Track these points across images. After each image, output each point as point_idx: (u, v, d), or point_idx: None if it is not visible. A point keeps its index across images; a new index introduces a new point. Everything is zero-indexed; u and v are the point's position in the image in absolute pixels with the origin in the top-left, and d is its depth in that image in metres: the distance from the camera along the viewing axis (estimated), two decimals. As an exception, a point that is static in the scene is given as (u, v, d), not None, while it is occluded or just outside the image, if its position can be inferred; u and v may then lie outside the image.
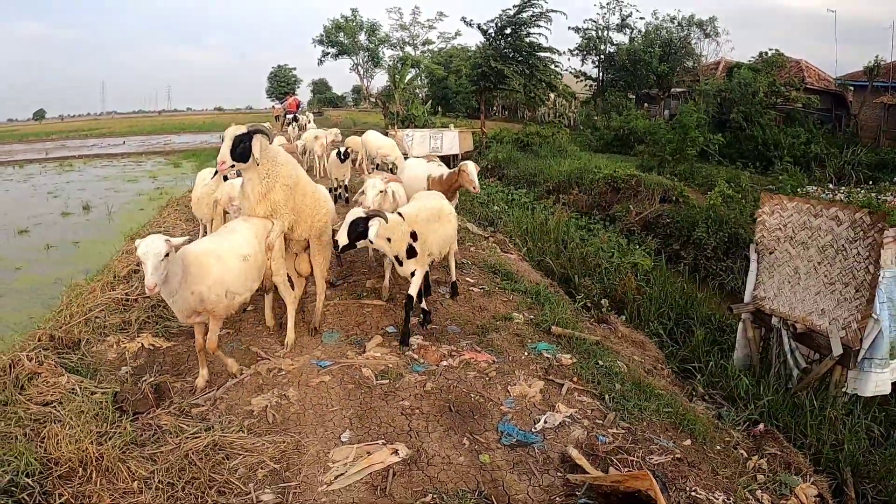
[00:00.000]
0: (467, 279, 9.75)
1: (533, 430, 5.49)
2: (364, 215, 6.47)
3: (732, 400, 7.89)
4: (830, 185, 23.69)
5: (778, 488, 5.25)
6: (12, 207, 22.53)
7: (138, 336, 7.38)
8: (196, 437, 5.19)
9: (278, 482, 4.77)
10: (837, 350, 7.76)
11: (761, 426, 6.67)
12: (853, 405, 7.44)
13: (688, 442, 5.69)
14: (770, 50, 36.44)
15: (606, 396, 6.24)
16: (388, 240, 6.74)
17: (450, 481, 4.76)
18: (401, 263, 7.03)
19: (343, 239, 6.41)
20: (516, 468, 4.96)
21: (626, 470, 5.00)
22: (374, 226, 6.35)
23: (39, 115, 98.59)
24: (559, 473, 4.90)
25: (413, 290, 7.15)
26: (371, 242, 6.48)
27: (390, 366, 6.55)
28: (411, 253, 6.99)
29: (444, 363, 6.71)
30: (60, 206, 22.30)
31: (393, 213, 7.00)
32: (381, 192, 8.27)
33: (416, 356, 6.90)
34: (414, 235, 6.94)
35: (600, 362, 7.09)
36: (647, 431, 5.70)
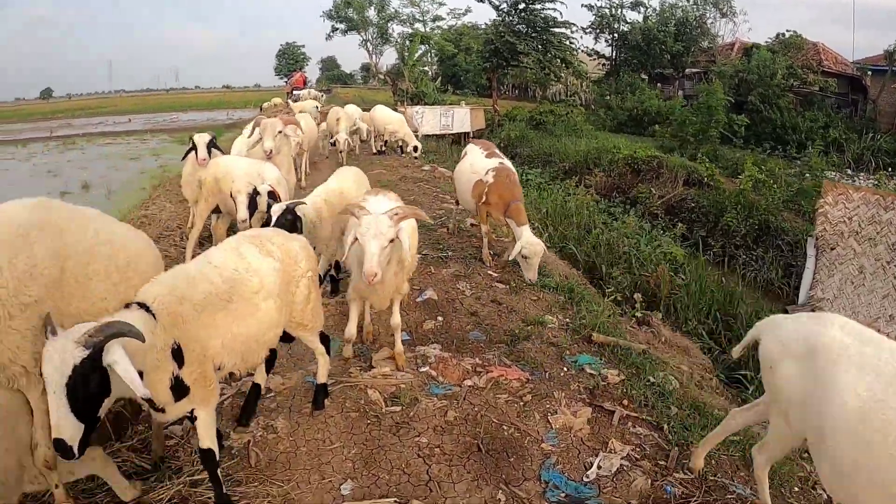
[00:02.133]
0: (489, 272, 8.63)
1: (585, 479, 4.32)
2: None
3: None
4: (849, 171, 23.32)
5: None
6: (10, 188, 21.40)
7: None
8: (161, 486, 4.02)
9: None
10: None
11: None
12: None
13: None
14: (788, 31, 35.76)
15: (665, 426, 5.09)
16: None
17: (482, 557, 3.61)
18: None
19: None
20: (568, 537, 3.81)
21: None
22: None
23: (46, 93, 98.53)
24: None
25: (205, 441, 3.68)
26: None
27: (403, 386, 5.33)
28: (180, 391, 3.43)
29: (469, 382, 5.50)
30: (59, 185, 21.44)
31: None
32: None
33: (433, 373, 5.68)
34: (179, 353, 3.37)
35: (651, 378, 5.93)
36: (719, 474, 4.57)
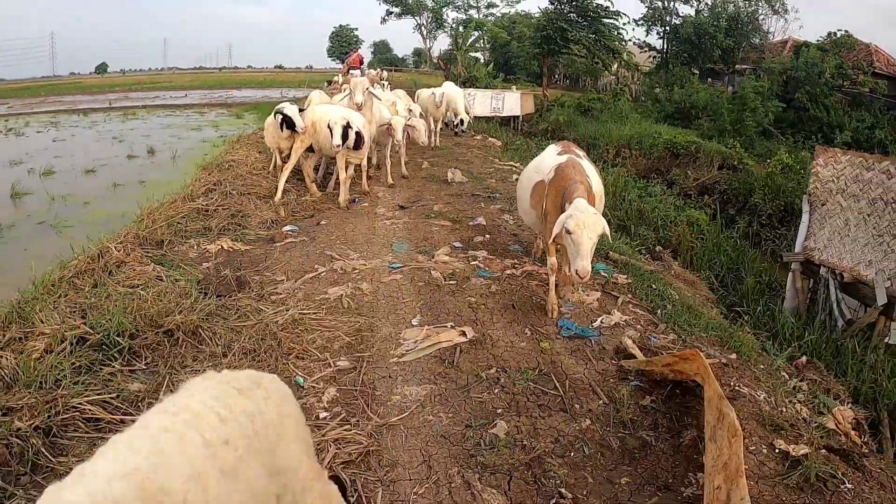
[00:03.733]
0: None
1: (590, 326, 5.83)
2: None
3: (777, 339, 8.08)
4: (892, 172, 23.17)
5: (817, 405, 5.39)
6: (80, 151, 23.12)
7: (218, 240, 7.89)
8: (276, 314, 5.65)
9: (353, 353, 5.20)
10: (882, 300, 7.94)
11: (804, 358, 6.84)
12: (894, 355, 7.59)
13: (733, 356, 5.92)
14: (839, 31, 35.38)
15: (659, 311, 6.51)
16: None
17: (512, 360, 5.13)
18: None
19: None
20: (574, 355, 5.31)
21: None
22: None
23: (101, 68, 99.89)
24: (613, 361, 5.23)
25: None
26: None
27: (457, 270, 6.98)
28: None
29: (508, 272, 7.07)
30: (126, 149, 22.87)
31: None
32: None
33: (481, 265, 7.29)
34: None
35: (653, 286, 7.36)
36: (696, 343, 5.97)
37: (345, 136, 8.67)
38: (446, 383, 4.77)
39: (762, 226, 17.26)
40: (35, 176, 18.18)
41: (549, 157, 6.56)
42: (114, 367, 4.85)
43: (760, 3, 42.39)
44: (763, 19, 42.80)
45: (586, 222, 5.12)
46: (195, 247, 7.68)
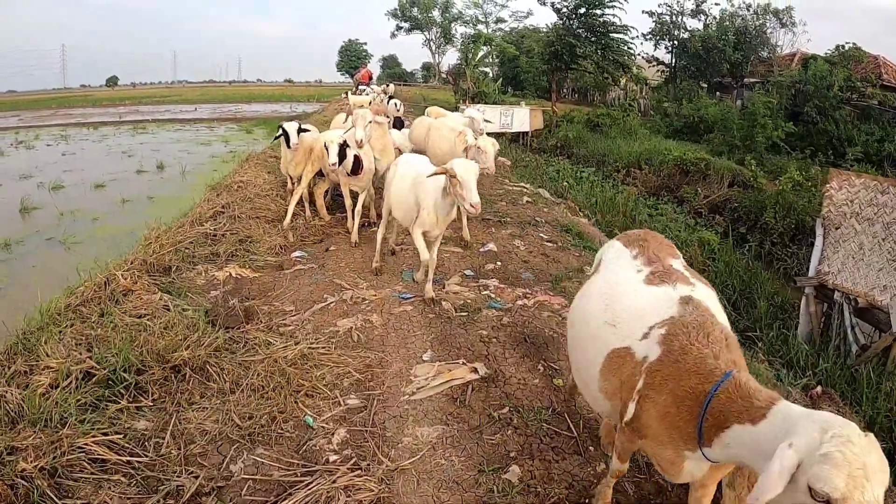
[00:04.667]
0: (541, 234, 9.96)
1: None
2: None
3: (792, 368, 7.97)
4: (896, 185, 22.99)
5: None
6: (89, 165, 23.38)
7: (226, 266, 7.83)
8: (285, 349, 5.58)
9: (363, 390, 5.12)
10: (897, 325, 7.82)
11: (819, 388, 6.72)
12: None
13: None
14: (847, 43, 35.27)
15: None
16: None
17: (525, 398, 5.03)
18: None
19: None
20: (589, 393, 5.20)
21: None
22: None
23: (112, 81, 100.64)
24: (631, 401, 5.12)
25: None
26: None
27: (469, 301, 6.87)
28: None
29: (520, 302, 6.95)
30: (135, 164, 23.04)
31: None
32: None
33: (492, 295, 7.17)
34: None
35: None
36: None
37: (342, 156, 8.44)
38: (458, 424, 4.68)
39: (773, 244, 17.14)
40: (44, 190, 18.45)
41: (630, 284, 3.53)
42: (120, 404, 4.77)
43: (768, 17, 42.43)
44: (771, 32, 42.84)
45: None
46: (203, 273, 7.60)
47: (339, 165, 8.44)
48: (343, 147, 8.44)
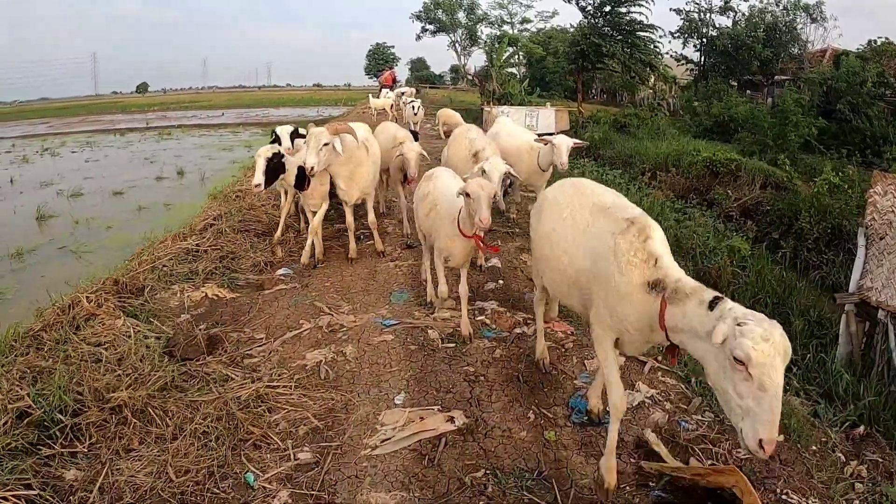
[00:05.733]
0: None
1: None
2: None
3: (830, 398, 7.13)
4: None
5: (878, 500, 4.54)
6: (111, 172, 23.35)
7: (203, 286, 7.27)
8: (241, 387, 4.93)
9: (319, 441, 4.43)
10: (949, 349, 7.00)
11: (861, 429, 5.91)
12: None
13: (780, 438, 5.02)
14: (879, 38, 34.26)
15: (693, 379, 5.60)
16: None
17: (507, 457, 4.25)
18: None
19: None
20: (584, 449, 4.40)
21: (709, 462, 4.39)
22: None
23: (142, 88, 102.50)
24: (632, 459, 4.32)
25: None
26: None
27: (458, 329, 6.08)
28: None
29: (518, 330, 6.19)
30: (156, 171, 22.91)
31: None
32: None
33: (487, 321, 6.43)
34: None
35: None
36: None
37: (274, 173, 7.25)
38: (422, 490, 3.91)
39: (808, 250, 16.26)
40: (63, 198, 18.44)
41: None
42: (54, 449, 4.22)
43: (798, 12, 41.50)
44: (801, 28, 41.92)
45: None
46: (178, 294, 7.01)
47: (266, 187, 7.30)
48: (273, 161, 7.22)
